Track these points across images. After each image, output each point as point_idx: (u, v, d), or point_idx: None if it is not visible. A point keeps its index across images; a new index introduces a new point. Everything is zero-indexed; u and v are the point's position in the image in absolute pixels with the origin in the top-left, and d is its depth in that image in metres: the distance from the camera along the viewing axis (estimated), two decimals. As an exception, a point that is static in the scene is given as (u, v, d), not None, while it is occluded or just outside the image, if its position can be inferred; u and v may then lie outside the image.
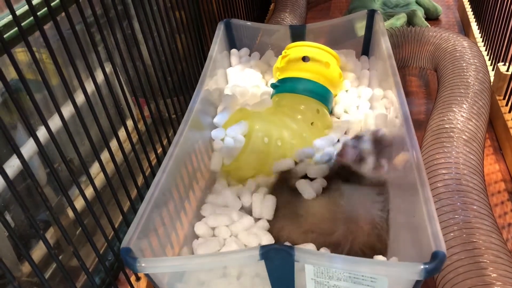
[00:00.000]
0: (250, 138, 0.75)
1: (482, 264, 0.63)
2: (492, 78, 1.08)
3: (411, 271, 0.46)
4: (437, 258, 0.45)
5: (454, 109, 0.92)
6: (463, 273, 0.63)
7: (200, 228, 0.69)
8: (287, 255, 0.47)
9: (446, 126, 0.88)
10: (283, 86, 0.87)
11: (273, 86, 0.89)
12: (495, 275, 0.62)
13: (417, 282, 0.48)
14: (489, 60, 1.19)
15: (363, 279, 0.48)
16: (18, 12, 0.57)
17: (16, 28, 0.52)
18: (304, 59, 0.87)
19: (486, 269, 0.63)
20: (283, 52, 0.90)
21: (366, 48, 1.01)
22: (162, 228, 0.63)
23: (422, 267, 0.45)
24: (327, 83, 0.86)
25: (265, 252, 0.47)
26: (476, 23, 1.38)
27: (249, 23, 1.03)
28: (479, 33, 1.33)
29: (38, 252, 0.78)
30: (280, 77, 0.89)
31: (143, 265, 0.49)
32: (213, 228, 0.69)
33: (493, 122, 1.04)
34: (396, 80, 0.76)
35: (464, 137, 0.85)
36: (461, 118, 0.89)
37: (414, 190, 0.57)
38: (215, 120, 0.85)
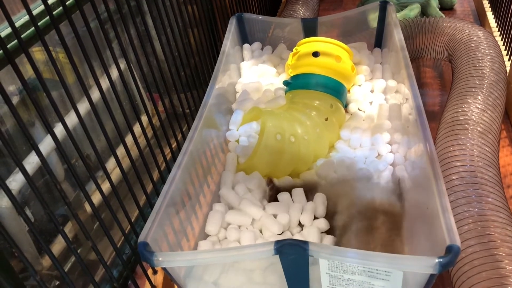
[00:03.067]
0: (263, 136, 0.75)
1: (498, 256, 0.63)
2: (508, 69, 1.06)
3: (426, 265, 0.46)
4: (451, 252, 0.46)
5: (469, 100, 0.91)
6: (479, 266, 0.63)
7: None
8: (301, 249, 0.47)
9: (461, 118, 0.87)
10: (295, 83, 0.87)
11: (286, 83, 0.89)
12: (510, 267, 0.62)
13: (432, 275, 0.48)
14: (505, 50, 1.17)
15: (378, 273, 0.48)
16: (34, 12, 0.59)
17: (33, 28, 0.53)
18: (315, 54, 0.87)
19: (501, 262, 0.62)
20: (294, 49, 0.90)
21: (379, 40, 1.00)
22: (178, 222, 0.64)
23: (436, 261, 0.45)
24: (339, 77, 0.86)
25: (280, 247, 0.47)
26: (491, 12, 1.36)
27: (261, 17, 1.03)
28: (495, 22, 1.31)
29: (58, 246, 0.80)
30: (292, 74, 0.89)
31: (160, 259, 0.50)
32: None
33: (510, 113, 1.03)
34: (409, 73, 0.76)
35: (479, 129, 0.84)
36: (476, 109, 0.88)
37: (428, 183, 0.57)
38: (230, 122, 0.86)
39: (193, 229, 0.69)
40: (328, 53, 0.86)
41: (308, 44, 0.89)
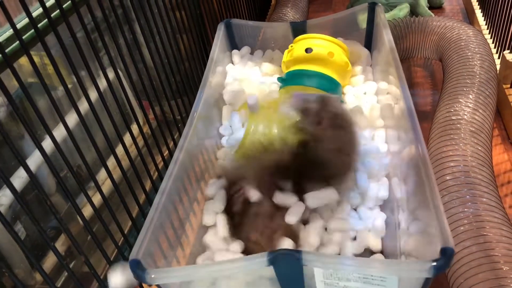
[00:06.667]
0: (250, 125, 0.75)
1: (494, 257, 0.63)
2: (498, 67, 1.07)
3: (420, 269, 0.45)
4: (445, 255, 0.45)
5: (460, 100, 0.91)
6: (475, 267, 0.63)
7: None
8: (295, 259, 0.47)
9: (453, 117, 0.87)
10: (289, 80, 0.87)
11: (280, 80, 0.89)
12: (507, 268, 0.61)
13: (427, 279, 0.47)
14: (494, 48, 1.18)
15: (373, 279, 0.48)
16: (19, 25, 0.58)
17: (18, 42, 0.52)
18: (307, 50, 0.86)
19: (498, 262, 0.62)
20: (289, 46, 0.90)
21: (368, 42, 1.00)
22: (171, 232, 0.63)
23: (431, 264, 0.45)
24: (334, 73, 0.85)
25: (273, 258, 0.47)
26: (480, 10, 1.37)
27: (249, 22, 1.03)
28: (484, 20, 1.31)
29: (51, 259, 0.79)
30: (286, 71, 0.89)
31: (152, 276, 0.49)
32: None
33: (501, 111, 1.03)
34: (399, 74, 0.75)
35: (471, 128, 0.84)
36: (468, 109, 0.88)
37: (420, 185, 0.57)
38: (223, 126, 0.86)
39: (188, 237, 0.68)
40: (322, 50, 0.86)
41: (303, 41, 0.89)
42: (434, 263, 0.45)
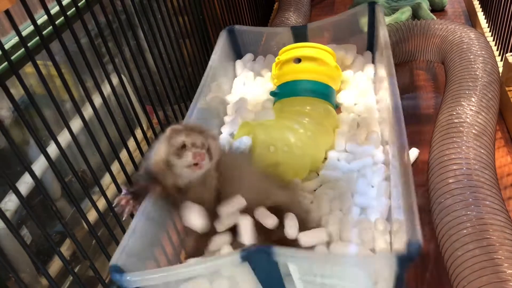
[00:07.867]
0: (256, 150, 0.74)
1: (497, 260, 0.63)
2: (500, 69, 1.07)
3: (385, 262, 0.46)
4: (411, 247, 0.45)
5: (463, 103, 0.91)
6: (479, 270, 0.63)
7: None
8: (266, 254, 0.47)
9: (455, 120, 0.87)
10: (283, 92, 0.86)
11: (273, 94, 0.88)
12: (510, 271, 0.61)
13: (400, 272, 0.47)
14: (497, 50, 1.18)
15: (347, 273, 0.48)
16: (24, 33, 0.58)
17: (23, 49, 0.53)
18: (296, 61, 0.86)
19: (501, 266, 0.62)
20: (276, 59, 0.90)
21: (370, 43, 1.00)
22: (154, 237, 0.62)
23: (395, 257, 0.45)
24: (325, 79, 0.85)
25: (246, 255, 0.48)
26: (482, 13, 1.37)
27: (251, 27, 1.03)
28: (486, 23, 1.31)
29: (57, 263, 0.79)
30: (277, 84, 0.89)
31: (129, 279, 0.49)
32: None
33: (504, 113, 1.03)
34: (391, 72, 0.73)
35: (474, 131, 0.84)
36: (470, 112, 0.88)
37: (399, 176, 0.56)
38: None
39: (172, 242, 0.67)
40: (310, 57, 0.86)
41: (288, 52, 0.88)
42: (399, 255, 0.45)
